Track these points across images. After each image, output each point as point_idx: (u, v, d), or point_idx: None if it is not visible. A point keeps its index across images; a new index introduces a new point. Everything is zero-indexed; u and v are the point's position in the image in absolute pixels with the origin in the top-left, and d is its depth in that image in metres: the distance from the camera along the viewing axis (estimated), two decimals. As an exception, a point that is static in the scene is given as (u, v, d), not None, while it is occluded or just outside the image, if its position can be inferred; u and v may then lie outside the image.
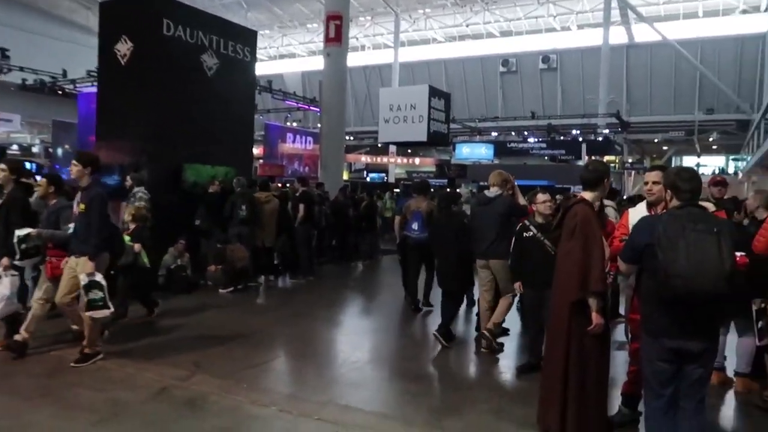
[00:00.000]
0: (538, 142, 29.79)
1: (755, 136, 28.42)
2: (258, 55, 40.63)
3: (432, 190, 8.36)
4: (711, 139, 34.30)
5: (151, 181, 7.68)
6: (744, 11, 31.17)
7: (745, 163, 36.15)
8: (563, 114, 32.57)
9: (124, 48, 8.16)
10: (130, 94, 8.15)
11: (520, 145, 29.37)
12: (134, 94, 8.14)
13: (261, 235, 8.96)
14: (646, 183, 4.17)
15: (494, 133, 31.82)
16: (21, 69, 22.57)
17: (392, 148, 34.06)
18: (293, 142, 24.76)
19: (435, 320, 6.73)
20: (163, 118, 8.28)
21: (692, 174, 3.16)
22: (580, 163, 31.85)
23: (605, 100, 30.10)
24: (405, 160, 34.75)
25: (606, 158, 31.34)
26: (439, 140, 20.42)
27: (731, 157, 38.63)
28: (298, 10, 35.78)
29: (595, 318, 3.55)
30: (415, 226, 7.17)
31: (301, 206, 9.22)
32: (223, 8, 33.25)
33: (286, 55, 42.88)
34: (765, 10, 30.15)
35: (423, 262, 7.45)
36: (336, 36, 14.52)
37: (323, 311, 7.46)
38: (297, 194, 9.55)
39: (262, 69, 40.11)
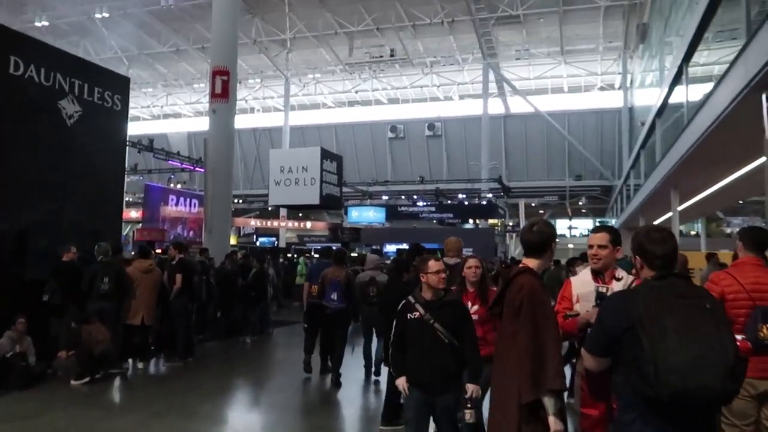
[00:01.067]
0: (427, 205, 29.95)
1: (618, 200, 30.50)
2: (140, 113, 38.46)
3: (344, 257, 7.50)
4: (581, 203, 36.43)
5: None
6: (602, 88, 34.05)
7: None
8: (449, 178, 33.32)
9: (-42, 90, 6.64)
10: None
11: (410, 209, 29.37)
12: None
13: (139, 311, 7.45)
14: (591, 247, 3.48)
15: (385, 197, 31.70)
16: None
17: (283, 212, 32.89)
18: (176, 204, 22.95)
19: (338, 408, 5.63)
20: (7, 171, 6.75)
21: (664, 235, 2.45)
22: (467, 226, 32.52)
23: (487, 165, 31.15)
24: (296, 224, 33.60)
25: (489, 221, 32.26)
26: (331, 203, 19.73)
27: (597, 219, 41.30)
28: (184, 68, 34.37)
29: (554, 424, 2.70)
30: (333, 296, 6.72)
31: (178, 276, 7.86)
32: (102, 63, 31.13)
33: (170, 115, 40.92)
34: (618, 88, 33.10)
35: (338, 332, 6.96)
36: (222, 92, 13.49)
37: (202, 404, 6.04)
38: (173, 262, 8.17)
39: (144, 128, 37.89)
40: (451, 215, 29.64)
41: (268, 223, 32.13)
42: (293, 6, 27.89)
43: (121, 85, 8.44)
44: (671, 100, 14.20)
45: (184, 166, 22.84)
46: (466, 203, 30.04)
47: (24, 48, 6.90)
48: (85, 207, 7.65)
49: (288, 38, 30.14)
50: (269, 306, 11.07)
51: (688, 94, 12.28)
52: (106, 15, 28.00)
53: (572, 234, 41.75)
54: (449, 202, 31.07)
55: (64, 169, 7.40)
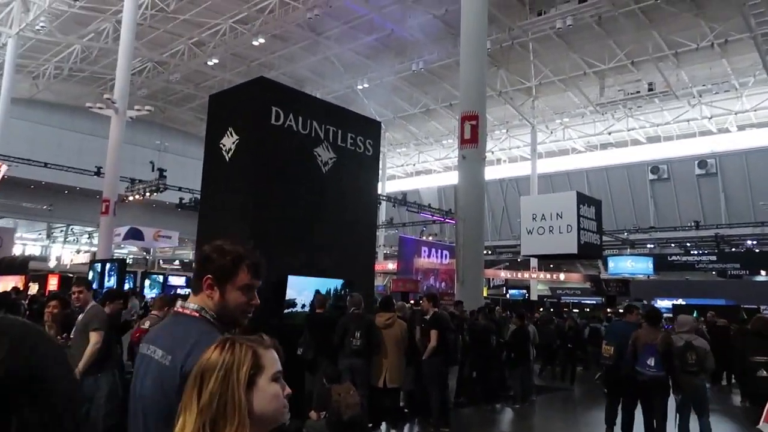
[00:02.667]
0: (704, 253, 25.23)
1: None
2: (395, 172, 40.69)
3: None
4: None
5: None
6: None
7: None
8: (730, 222, 27.88)
9: (229, 142, 6.73)
10: (233, 192, 6.62)
11: (684, 258, 24.99)
12: (237, 192, 6.59)
13: (380, 370, 6.64)
14: None
15: (649, 245, 27.73)
16: (178, 189, 23.40)
17: (533, 263, 30.97)
18: (428, 256, 22.88)
19: None
20: (268, 219, 6.57)
21: None
22: (760, 278, 26.54)
23: (783, 205, 25.32)
24: (548, 276, 31.30)
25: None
26: (591, 252, 17.50)
27: None
28: (434, 127, 35.38)
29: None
30: (650, 361, 5.99)
31: (433, 333, 6.86)
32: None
33: (422, 172, 42.48)
34: None
35: (656, 404, 6.15)
36: (472, 137, 12.68)
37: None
38: (427, 316, 7.22)
39: (399, 185, 39.90)
40: (737, 266, 24.43)
41: (519, 275, 30.45)
42: (538, 52, 26.71)
43: (372, 130, 8.00)
44: None
45: (435, 217, 22.78)
46: (757, 250, 24.55)
47: (282, 97, 6.82)
48: (339, 256, 7.17)
49: (533, 85, 28.93)
50: (531, 369, 9.46)
51: None
52: (366, 85, 30.21)
53: None
54: (733, 249, 25.77)
55: (321, 216, 7.07)
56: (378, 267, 35.46)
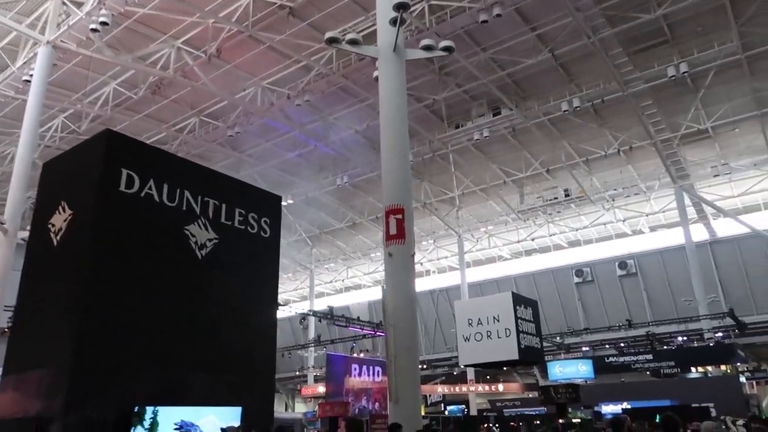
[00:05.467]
0: (639, 352, 23.99)
1: None
2: (324, 289, 38.32)
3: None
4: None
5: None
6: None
7: None
8: (657, 321, 27.21)
9: (60, 220, 4.65)
10: (57, 286, 4.42)
11: (621, 359, 23.57)
12: (61, 286, 4.39)
13: None
14: None
15: (584, 348, 26.34)
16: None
17: (471, 375, 28.68)
18: (359, 374, 20.30)
19: None
20: (106, 324, 4.36)
21: None
22: (691, 375, 25.42)
23: (704, 300, 24.90)
24: (487, 387, 28.96)
25: (723, 367, 24.99)
26: (532, 357, 15.70)
27: None
28: (360, 241, 33.98)
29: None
30: None
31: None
32: (288, 246, 31.79)
33: (351, 287, 40.41)
34: None
35: None
36: (398, 232, 10.98)
37: None
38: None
39: (328, 302, 37.43)
40: (672, 363, 23.19)
41: (456, 389, 27.94)
42: (459, 164, 26.56)
43: (270, 205, 6.10)
44: None
45: (365, 331, 20.50)
46: (693, 346, 23.73)
47: (139, 159, 4.84)
48: (222, 377, 4.93)
49: (456, 195, 28.49)
50: None
51: None
52: (291, 201, 28.79)
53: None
54: (665, 347, 24.78)
55: (194, 321, 4.91)
56: (306, 391, 31.92)
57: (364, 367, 20.23)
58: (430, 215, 29.99)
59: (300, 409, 41.38)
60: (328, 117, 23.23)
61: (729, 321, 23.27)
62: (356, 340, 22.96)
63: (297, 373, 37.73)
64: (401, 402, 9.69)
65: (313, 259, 36.25)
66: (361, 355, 23.58)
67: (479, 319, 14.90)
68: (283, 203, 27.85)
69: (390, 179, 12.13)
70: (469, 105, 22.72)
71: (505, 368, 33.32)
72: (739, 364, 24.91)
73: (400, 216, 11.23)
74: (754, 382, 28.53)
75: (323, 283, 40.31)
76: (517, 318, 14.21)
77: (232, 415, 5.03)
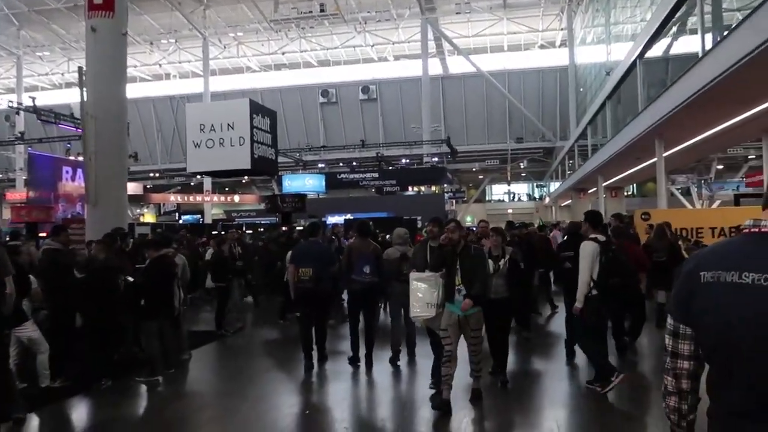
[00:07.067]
0: (368, 171, 25.89)
1: (565, 161, 27.74)
2: (37, 82, 31.62)
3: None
4: (522, 166, 33.64)
5: None
6: (542, 46, 31.01)
7: (547, 189, 36.32)
8: (386, 143, 29.42)
9: None
10: None
11: (351, 176, 25.15)
12: None
13: None
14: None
15: (320, 165, 27.41)
16: None
17: (207, 185, 27.84)
18: (73, 179, 17.69)
19: None
20: None
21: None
22: (408, 193, 28.80)
23: (429, 129, 27.53)
24: (223, 198, 28.64)
25: (433, 187, 28.74)
26: (266, 168, 15.29)
27: (536, 183, 38.92)
28: (84, 28, 28.05)
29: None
30: (366, 269, 5.58)
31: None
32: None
33: (73, 83, 34.24)
34: (559, 46, 30.18)
35: (371, 308, 5.91)
36: (105, 2, 8.73)
37: None
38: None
39: (47, 99, 31.02)
40: (393, 182, 25.69)
41: (191, 198, 27.01)
42: (208, -49, 22.74)
43: None
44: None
45: (79, 130, 17.49)
46: (413, 167, 26.43)
47: None
48: None
49: (204, -10, 24.88)
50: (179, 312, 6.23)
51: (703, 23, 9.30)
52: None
53: (512, 198, 38.95)
54: (390, 168, 27.22)
55: None
56: (13, 196, 27.42)
57: (80, 171, 17.63)
58: (171, 9, 25.86)
59: (7, 216, 35.94)
60: None
61: (445, 148, 26.19)
62: (71, 141, 19.68)
63: (1, 176, 32.12)
64: (100, 205, 8.38)
65: (21, 44, 29.11)
66: (79, 158, 20.48)
67: (212, 125, 13.53)
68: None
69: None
70: None
71: (244, 181, 33.33)
72: (446, 185, 28.95)
73: (107, -19, 8.86)
74: (454, 201, 34.03)
75: (36, 75, 33.32)
76: (252, 127, 13.25)
77: None
